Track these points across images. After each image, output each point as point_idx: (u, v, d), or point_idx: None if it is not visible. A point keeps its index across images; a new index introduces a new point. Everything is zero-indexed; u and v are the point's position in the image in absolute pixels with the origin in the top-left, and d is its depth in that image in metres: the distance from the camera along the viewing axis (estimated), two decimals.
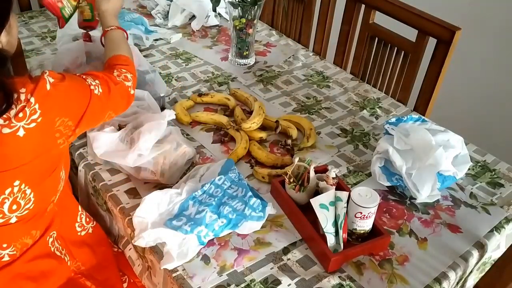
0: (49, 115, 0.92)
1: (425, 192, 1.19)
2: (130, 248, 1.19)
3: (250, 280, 1.02)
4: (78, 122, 1.00)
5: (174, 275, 1.02)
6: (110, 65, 1.18)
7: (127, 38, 1.31)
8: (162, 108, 1.45)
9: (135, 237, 1.05)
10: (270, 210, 1.14)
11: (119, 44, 1.26)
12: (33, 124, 0.89)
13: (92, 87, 1.03)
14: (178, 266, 1.03)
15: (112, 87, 1.09)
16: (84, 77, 1.05)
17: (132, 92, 1.17)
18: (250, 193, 1.14)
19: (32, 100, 0.89)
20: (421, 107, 1.65)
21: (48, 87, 0.92)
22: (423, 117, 1.40)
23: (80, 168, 1.30)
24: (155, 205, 1.10)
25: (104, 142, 1.22)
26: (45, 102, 0.91)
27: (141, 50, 1.81)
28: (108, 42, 1.27)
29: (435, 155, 1.19)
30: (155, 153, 1.20)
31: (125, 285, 1.22)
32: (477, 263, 1.16)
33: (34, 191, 0.97)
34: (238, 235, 1.11)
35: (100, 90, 1.05)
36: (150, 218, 1.07)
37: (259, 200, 1.13)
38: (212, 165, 1.24)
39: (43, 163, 0.97)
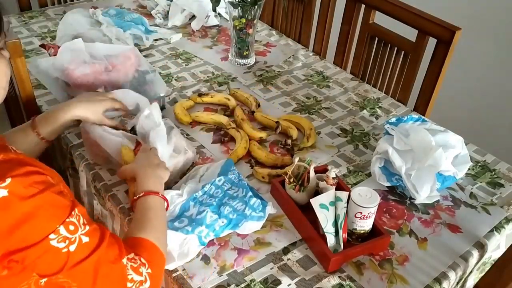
0: None
1: (424, 193, 1.19)
2: None
3: (250, 280, 1.02)
4: (6, 254, 0.72)
5: (174, 275, 1.02)
6: (128, 245, 0.88)
7: (166, 208, 1.06)
8: (162, 108, 1.46)
9: None
10: (270, 209, 1.14)
11: (151, 219, 0.97)
12: None
13: (53, 236, 0.74)
14: (178, 266, 1.03)
15: (96, 262, 0.79)
16: (69, 219, 0.76)
17: None
18: (250, 193, 1.15)
19: None
20: (421, 107, 1.65)
21: None
22: (423, 117, 1.40)
23: (80, 168, 1.30)
24: None
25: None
26: None
27: (141, 50, 1.81)
28: (136, 212, 1.00)
29: (435, 156, 1.19)
30: (169, 163, 1.19)
31: None
32: (477, 263, 1.16)
33: None
34: (238, 235, 1.11)
35: (71, 249, 0.76)
36: None
37: (259, 200, 1.13)
38: (212, 166, 1.24)
39: None
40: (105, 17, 1.84)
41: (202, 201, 1.12)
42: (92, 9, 1.90)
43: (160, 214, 1.00)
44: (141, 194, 1.01)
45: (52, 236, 0.74)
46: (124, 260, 0.83)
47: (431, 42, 1.58)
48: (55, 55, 1.53)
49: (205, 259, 1.05)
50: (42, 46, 1.65)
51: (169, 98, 1.55)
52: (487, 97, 2.55)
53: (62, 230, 0.75)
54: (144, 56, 1.78)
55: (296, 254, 1.08)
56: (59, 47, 1.56)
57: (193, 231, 1.04)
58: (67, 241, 0.75)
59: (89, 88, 1.39)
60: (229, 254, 1.07)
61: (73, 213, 0.77)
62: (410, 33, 1.63)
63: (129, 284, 0.82)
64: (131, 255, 0.85)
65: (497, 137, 2.40)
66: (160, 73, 1.68)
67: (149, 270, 0.86)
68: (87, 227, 0.79)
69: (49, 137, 1.17)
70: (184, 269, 1.03)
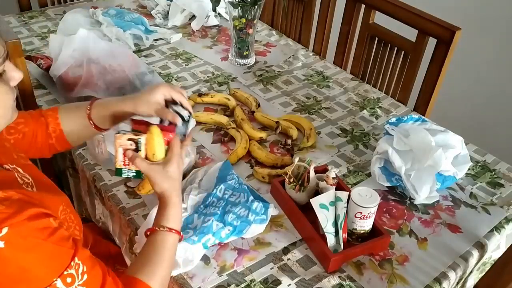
0: None
1: (424, 193, 1.19)
2: (129, 249, 1.19)
3: (250, 280, 1.02)
4: None
5: (174, 275, 1.02)
6: (124, 284, 0.85)
7: (180, 239, 0.97)
8: None
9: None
10: (273, 211, 1.14)
11: (162, 261, 0.90)
12: None
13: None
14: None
15: None
16: (67, 272, 0.74)
17: None
18: (251, 197, 1.14)
19: None
20: (421, 107, 1.65)
21: None
22: (423, 117, 1.40)
23: (80, 168, 1.30)
24: None
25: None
26: None
27: (141, 50, 1.82)
28: (149, 245, 0.93)
29: (434, 157, 1.19)
30: None
31: None
32: (477, 263, 1.16)
33: None
34: None
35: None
36: None
37: (261, 204, 1.12)
38: (210, 168, 1.22)
39: None
40: (105, 17, 1.84)
41: (206, 212, 1.11)
42: (92, 9, 1.90)
43: (172, 255, 0.94)
44: (163, 229, 0.93)
45: None
46: None
47: (431, 42, 1.58)
48: (48, 67, 1.52)
49: (205, 259, 1.05)
50: (28, 58, 1.55)
51: None
52: (487, 97, 2.55)
53: (59, 283, 0.73)
54: (144, 56, 1.78)
55: (296, 254, 1.08)
56: (48, 58, 1.55)
57: (200, 241, 1.03)
58: None
59: (87, 89, 1.39)
60: (229, 254, 1.07)
61: (72, 263, 0.75)
62: (410, 33, 1.63)
63: None
64: None
65: (497, 137, 2.40)
66: (160, 73, 1.68)
67: None
68: (85, 276, 0.77)
69: (100, 123, 1.08)
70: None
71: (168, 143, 0.98)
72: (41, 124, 1.08)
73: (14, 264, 0.69)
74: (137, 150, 0.96)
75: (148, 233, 0.94)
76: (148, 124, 0.99)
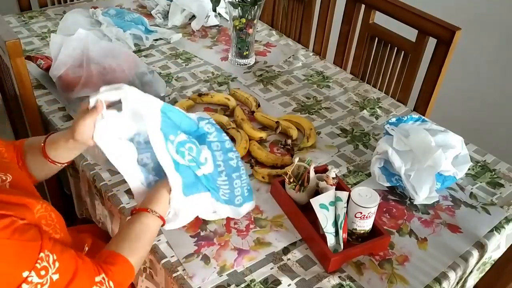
0: None
1: (423, 194, 1.19)
2: None
3: (250, 280, 1.02)
4: None
5: (174, 275, 1.02)
6: (105, 264, 0.89)
7: (162, 225, 1.02)
8: None
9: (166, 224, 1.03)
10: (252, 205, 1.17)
11: (142, 239, 0.96)
12: None
13: (26, 286, 0.75)
14: (178, 267, 1.03)
15: None
16: (39, 265, 0.76)
17: None
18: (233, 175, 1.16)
19: None
20: (421, 107, 1.65)
21: None
22: (423, 117, 1.40)
23: (80, 168, 1.30)
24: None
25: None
26: None
27: (141, 50, 1.82)
28: (129, 223, 0.98)
29: (434, 157, 1.19)
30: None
31: None
32: (477, 263, 1.16)
33: None
34: (238, 235, 1.11)
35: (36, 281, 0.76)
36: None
37: (241, 188, 1.15)
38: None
39: None
40: (105, 17, 1.84)
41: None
42: (92, 9, 1.90)
43: (151, 237, 0.99)
44: (155, 213, 0.99)
45: (24, 286, 0.74)
46: None
47: (431, 42, 1.58)
48: (48, 67, 1.52)
49: (205, 259, 1.05)
50: (28, 58, 1.55)
51: (169, 98, 1.55)
52: (487, 97, 2.55)
53: (34, 278, 0.75)
54: (144, 56, 1.78)
55: (296, 254, 1.08)
56: (48, 58, 1.55)
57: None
58: (38, 286, 0.76)
59: (87, 89, 1.39)
60: (229, 254, 1.07)
61: (42, 255, 0.77)
62: (410, 33, 1.63)
63: None
64: (100, 277, 0.86)
65: (497, 137, 2.40)
66: (160, 73, 1.68)
67: None
68: (57, 264, 0.79)
69: (55, 159, 1.05)
70: (184, 269, 1.03)
71: None
72: (14, 157, 1.05)
73: None
74: None
75: (134, 212, 1.00)
76: None
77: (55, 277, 0.78)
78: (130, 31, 1.81)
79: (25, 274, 0.74)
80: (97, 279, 0.85)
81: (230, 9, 1.65)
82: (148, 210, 0.99)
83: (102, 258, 0.91)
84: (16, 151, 1.06)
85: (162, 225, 1.02)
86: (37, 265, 0.76)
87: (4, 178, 0.89)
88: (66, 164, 1.09)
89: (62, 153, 1.05)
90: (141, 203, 1.02)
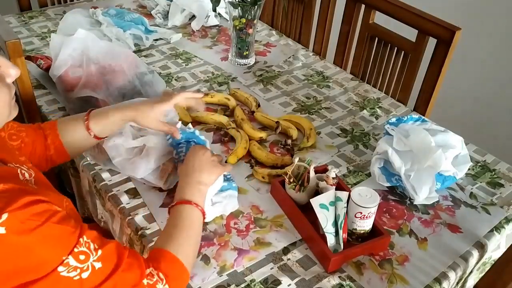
0: None
1: (423, 194, 1.19)
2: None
3: (250, 280, 1.02)
4: None
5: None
6: (153, 261, 0.88)
7: (203, 219, 1.02)
8: None
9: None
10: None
11: (180, 231, 0.95)
12: None
13: (62, 268, 0.73)
14: None
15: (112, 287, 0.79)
16: (77, 250, 0.75)
17: None
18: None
19: None
20: (421, 107, 1.65)
21: None
22: (423, 117, 1.40)
23: (80, 168, 1.30)
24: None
25: (120, 152, 1.20)
26: None
27: (141, 50, 1.82)
28: (168, 221, 0.98)
29: (434, 157, 1.19)
30: (164, 159, 1.19)
31: None
32: (477, 263, 1.16)
33: None
34: (238, 235, 1.11)
35: (84, 276, 0.75)
36: None
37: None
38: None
39: None
40: (105, 17, 1.84)
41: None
42: (92, 9, 1.90)
43: (190, 226, 0.97)
44: (174, 203, 1.00)
45: (60, 268, 0.73)
46: (144, 281, 0.82)
47: (431, 42, 1.58)
48: (47, 67, 1.52)
49: (205, 259, 1.05)
50: (28, 58, 1.56)
51: None
52: (487, 97, 2.55)
53: (71, 261, 0.74)
54: (144, 56, 1.78)
55: (296, 254, 1.08)
56: (48, 58, 1.55)
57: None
58: (78, 270, 0.74)
59: (87, 89, 1.39)
60: (229, 254, 1.07)
61: (81, 240, 0.76)
62: (410, 33, 1.63)
63: None
64: (149, 270, 0.84)
65: (497, 137, 2.40)
66: (160, 73, 1.68)
67: (166, 286, 0.85)
68: (100, 252, 0.78)
69: (99, 133, 1.12)
70: None
71: None
72: (39, 135, 1.09)
73: (18, 247, 0.69)
74: None
75: (175, 205, 0.99)
76: None
77: (97, 265, 0.77)
78: (130, 31, 1.81)
79: (63, 257, 0.73)
80: (147, 271, 0.84)
81: (230, 9, 1.65)
82: (192, 203, 0.99)
83: (149, 257, 0.90)
84: (42, 132, 1.09)
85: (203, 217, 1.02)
86: (75, 249, 0.74)
87: (28, 173, 0.87)
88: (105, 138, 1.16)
89: (111, 127, 1.13)
90: (181, 194, 1.01)
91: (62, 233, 0.74)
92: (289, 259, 1.07)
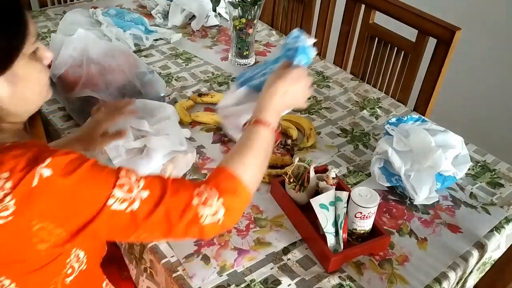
0: (24, 216, 0.71)
1: (423, 194, 1.19)
2: (128, 249, 1.19)
3: (250, 280, 1.02)
4: (75, 233, 0.74)
5: (174, 275, 1.02)
6: (208, 179, 0.85)
7: (275, 142, 0.97)
8: None
9: None
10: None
11: (249, 151, 0.89)
12: (1, 221, 0.70)
13: (111, 200, 0.74)
14: (178, 267, 1.03)
15: (165, 213, 0.78)
16: (119, 182, 0.76)
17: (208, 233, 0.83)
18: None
19: (9, 195, 0.69)
20: (421, 107, 1.66)
21: (34, 182, 0.70)
22: (423, 117, 1.40)
23: None
24: None
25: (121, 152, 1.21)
26: (24, 200, 0.70)
27: (141, 50, 1.82)
28: (242, 137, 0.93)
29: (434, 157, 1.19)
30: (165, 159, 1.20)
31: None
32: (477, 263, 1.16)
33: (20, 286, 0.81)
34: (238, 235, 1.11)
35: (134, 208, 0.76)
36: None
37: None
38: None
39: (23, 262, 0.78)
40: (105, 17, 1.84)
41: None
42: (92, 9, 1.90)
43: (261, 149, 0.91)
44: (252, 121, 0.94)
45: (110, 201, 0.74)
46: (195, 201, 0.80)
47: (431, 42, 1.58)
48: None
49: (205, 259, 1.05)
50: None
51: (169, 98, 1.55)
52: (487, 97, 2.55)
53: (118, 193, 0.75)
54: (144, 56, 1.78)
55: (296, 254, 1.08)
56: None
57: None
58: (126, 202, 0.75)
59: (87, 89, 1.39)
60: (229, 254, 1.07)
61: (121, 174, 0.77)
62: (410, 33, 1.63)
63: (201, 220, 0.80)
64: (197, 190, 0.81)
65: (497, 137, 2.40)
66: (160, 73, 1.68)
67: (220, 200, 0.81)
68: (142, 182, 0.78)
69: None
70: (184, 269, 1.03)
71: None
72: None
73: (66, 188, 0.72)
74: None
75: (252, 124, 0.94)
76: None
77: (144, 194, 0.77)
78: (130, 31, 1.81)
79: (108, 191, 0.75)
80: (196, 191, 0.81)
81: (230, 9, 1.65)
82: (270, 126, 0.93)
83: (208, 176, 0.87)
84: None
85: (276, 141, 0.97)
86: (118, 182, 0.76)
87: None
88: None
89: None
90: (260, 112, 0.96)
91: (100, 172, 0.77)
92: (289, 259, 1.07)
